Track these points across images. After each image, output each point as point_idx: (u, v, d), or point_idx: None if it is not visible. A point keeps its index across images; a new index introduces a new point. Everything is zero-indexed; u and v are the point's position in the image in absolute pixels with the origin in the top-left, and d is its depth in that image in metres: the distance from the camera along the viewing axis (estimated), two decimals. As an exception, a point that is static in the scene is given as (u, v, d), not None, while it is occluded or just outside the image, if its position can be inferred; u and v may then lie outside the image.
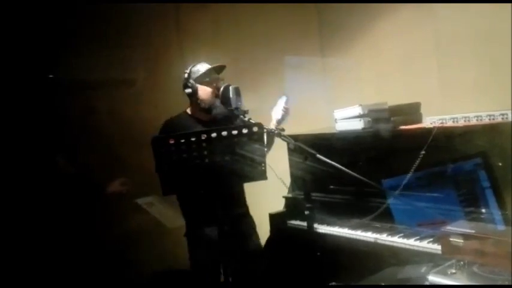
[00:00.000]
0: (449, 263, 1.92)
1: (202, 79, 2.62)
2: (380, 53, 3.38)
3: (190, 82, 2.62)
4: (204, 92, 2.62)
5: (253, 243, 2.78)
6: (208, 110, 2.63)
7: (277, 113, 2.71)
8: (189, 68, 2.66)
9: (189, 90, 2.62)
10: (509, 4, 2.61)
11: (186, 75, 2.64)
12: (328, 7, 3.66)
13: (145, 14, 3.65)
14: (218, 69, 2.68)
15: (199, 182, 2.16)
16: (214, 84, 2.62)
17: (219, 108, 2.60)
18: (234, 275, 2.69)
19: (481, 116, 2.32)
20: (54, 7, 3.25)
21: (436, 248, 2.23)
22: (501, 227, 2.11)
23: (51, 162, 3.33)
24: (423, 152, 2.34)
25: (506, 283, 1.74)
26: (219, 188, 2.53)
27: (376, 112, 2.68)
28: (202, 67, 2.65)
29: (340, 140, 2.82)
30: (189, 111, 2.72)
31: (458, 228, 1.89)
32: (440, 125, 2.40)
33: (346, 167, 2.19)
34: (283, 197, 3.10)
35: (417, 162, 2.34)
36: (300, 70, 3.83)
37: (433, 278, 1.89)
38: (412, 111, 2.71)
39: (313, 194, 2.30)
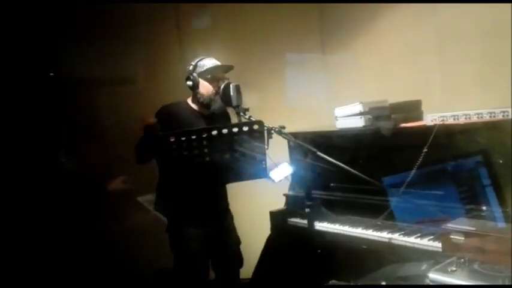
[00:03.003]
0: (449, 260, 1.92)
1: (205, 75, 2.63)
2: (381, 50, 3.37)
3: (193, 75, 2.62)
4: (204, 88, 2.63)
5: (234, 237, 2.83)
6: (206, 105, 2.64)
7: (277, 176, 2.65)
8: (196, 61, 2.66)
9: (189, 83, 2.63)
10: (510, 4, 2.60)
11: (191, 67, 2.65)
12: (329, 5, 3.65)
13: (146, 13, 3.65)
14: (225, 68, 2.68)
15: (200, 180, 2.17)
16: (216, 82, 2.61)
17: (218, 104, 2.61)
18: (220, 269, 2.78)
19: (481, 114, 2.32)
20: (54, 6, 3.25)
21: (436, 245, 2.22)
22: (502, 225, 2.11)
23: (52, 161, 3.33)
24: (425, 150, 2.33)
25: (507, 280, 1.73)
26: (220, 186, 2.57)
27: (377, 110, 2.68)
28: (208, 62, 2.65)
29: (340, 138, 2.82)
30: (189, 101, 2.73)
31: (459, 226, 1.89)
32: (441, 123, 2.39)
33: (346, 165, 2.18)
34: (284, 194, 3.10)
35: (420, 160, 2.34)
36: (301, 68, 3.83)
37: (434, 276, 1.89)
38: (412, 109, 2.71)
39: (314, 192, 2.30)
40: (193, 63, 2.65)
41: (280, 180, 2.63)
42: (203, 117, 2.68)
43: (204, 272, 2.72)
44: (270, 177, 2.62)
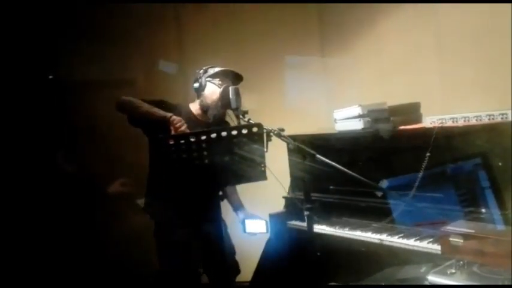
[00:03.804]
0: (449, 263, 1.92)
1: (214, 78, 2.61)
2: (380, 52, 3.37)
3: (202, 78, 2.62)
4: (211, 90, 2.61)
5: (229, 246, 2.81)
6: (206, 110, 2.62)
7: (251, 226, 2.75)
8: (207, 66, 2.66)
9: (196, 85, 2.62)
10: (509, 4, 2.61)
11: (201, 71, 2.64)
12: (329, 6, 3.66)
13: (145, 14, 3.65)
14: (233, 79, 2.66)
15: (199, 182, 2.17)
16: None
17: (217, 110, 2.59)
18: (213, 275, 2.76)
19: (480, 116, 2.32)
20: (53, 8, 3.26)
21: (435, 248, 2.22)
22: (501, 227, 2.11)
23: (52, 163, 3.33)
24: (428, 154, 2.32)
25: (506, 283, 1.74)
26: (218, 189, 2.56)
27: (376, 112, 2.68)
28: (219, 68, 2.64)
29: (339, 140, 2.82)
30: (191, 106, 2.70)
31: (458, 228, 1.89)
32: (439, 125, 2.39)
33: (345, 167, 2.18)
34: (283, 197, 3.10)
35: (422, 164, 2.33)
36: (300, 70, 3.83)
37: (433, 278, 1.89)
38: (411, 111, 2.71)
39: (313, 195, 2.30)
40: (204, 68, 2.65)
41: (249, 233, 2.75)
42: (202, 123, 2.64)
43: (194, 276, 2.68)
44: (244, 222, 2.77)
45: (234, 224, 2.88)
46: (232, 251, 2.84)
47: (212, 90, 2.60)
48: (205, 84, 2.61)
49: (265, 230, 2.75)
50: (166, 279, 2.66)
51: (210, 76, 2.61)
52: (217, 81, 2.61)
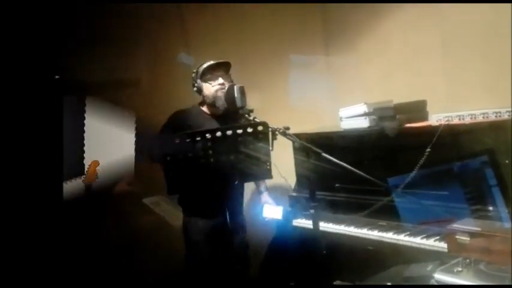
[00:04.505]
0: (455, 261, 1.92)
1: (205, 76, 2.70)
2: (385, 51, 3.36)
3: (196, 81, 2.73)
4: (207, 89, 2.71)
5: (244, 241, 2.88)
6: (213, 105, 2.70)
7: (268, 212, 2.83)
8: (197, 67, 2.75)
9: (195, 89, 2.75)
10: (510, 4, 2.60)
11: (193, 74, 2.75)
12: (333, 6, 3.65)
13: (149, 14, 3.66)
14: (222, 66, 2.73)
15: (205, 181, 2.18)
16: (216, 81, 2.68)
17: (222, 101, 2.64)
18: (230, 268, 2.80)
19: (487, 113, 2.31)
20: (57, 8, 3.26)
21: (442, 246, 2.22)
22: (508, 225, 2.10)
23: (56, 163, 3.34)
24: (428, 150, 2.33)
25: (514, 281, 1.73)
26: (224, 187, 2.58)
27: (382, 110, 2.67)
28: (205, 64, 2.72)
29: (345, 139, 2.82)
30: (200, 104, 2.81)
31: (465, 226, 1.89)
32: (446, 123, 2.39)
33: (351, 166, 2.18)
34: (289, 196, 3.10)
35: (422, 160, 2.33)
36: (305, 69, 3.82)
37: (439, 276, 1.88)
38: (417, 109, 2.71)
39: (319, 193, 2.30)
40: (195, 70, 2.75)
41: (265, 218, 2.83)
42: (215, 118, 2.74)
43: (209, 265, 2.75)
44: (263, 208, 2.84)
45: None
46: (248, 248, 2.89)
47: (207, 89, 2.71)
48: (200, 85, 2.72)
49: (280, 217, 2.80)
50: (189, 272, 2.79)
51: (200, 77, 2.71)
52: (207, 78, 2.70)
